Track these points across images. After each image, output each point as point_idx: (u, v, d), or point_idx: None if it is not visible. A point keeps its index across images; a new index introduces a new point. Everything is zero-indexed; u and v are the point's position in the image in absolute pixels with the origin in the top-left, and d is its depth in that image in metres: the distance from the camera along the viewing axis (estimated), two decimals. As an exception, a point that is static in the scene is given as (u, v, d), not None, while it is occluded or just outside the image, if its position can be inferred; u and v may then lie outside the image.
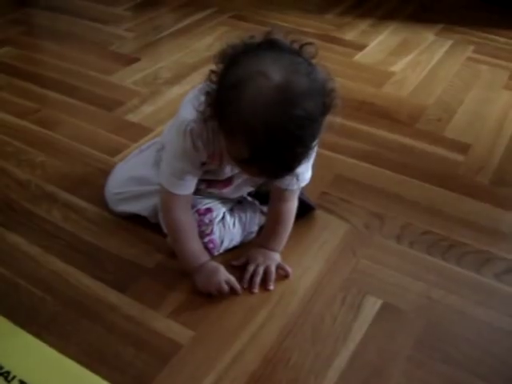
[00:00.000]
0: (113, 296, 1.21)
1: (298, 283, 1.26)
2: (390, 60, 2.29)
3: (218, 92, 0.98)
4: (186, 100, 1.17)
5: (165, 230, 1.30)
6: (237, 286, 1.22)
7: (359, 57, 2.33)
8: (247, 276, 1.24)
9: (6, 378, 1.03)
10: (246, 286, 1.23)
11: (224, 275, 1.21)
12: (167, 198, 1.20)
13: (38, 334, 1.12)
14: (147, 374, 1.06)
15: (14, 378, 1.03)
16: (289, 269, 1.27)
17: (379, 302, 1.22)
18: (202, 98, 1.02)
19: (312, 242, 1.37)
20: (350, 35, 2.52)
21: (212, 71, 1.00)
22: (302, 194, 1.32)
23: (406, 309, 1.21)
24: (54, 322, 1.15)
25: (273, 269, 1.25)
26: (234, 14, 2.70)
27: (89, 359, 1.08)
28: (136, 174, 1.39)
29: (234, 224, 1.30)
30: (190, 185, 1.19)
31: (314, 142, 0.99)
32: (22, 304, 1.19)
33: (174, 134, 1.14)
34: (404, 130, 1.82)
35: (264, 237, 1.30)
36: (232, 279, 1.21)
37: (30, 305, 1.19)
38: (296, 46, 0.98)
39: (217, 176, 1.24)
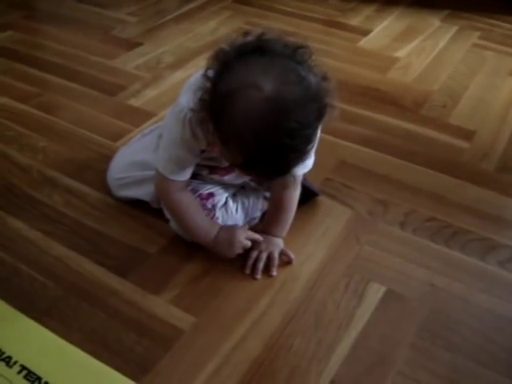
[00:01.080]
0: (115, 281, 1.21)
1: (301, 269, 1.25)
2: (395, 46, 2.28)
3: (212, 100, 0.96)
4: (185, 86, 1.15)
5: (167, 216, 1.29)
6: (256, 236, 1.25)
7: (364, 42, 2.31)
8: (250, 262, 1.24)
9: (7, 363, 1.03)
10: (248, 272, 1.23)
11: (242, 234, 1.23)
12: (164, 183, 1.19)
13: (39, 320, 1.11)
14: (149, 359, 1.05)
15: (15, 363, 1.03)
16: (292, 255, 1.26)
17: (382, 289, 1.21)
18: (198, 94, 1.00)
19: (315, 229, 1.36)
20: (354, 20, 2.50)
21: (206, 73, 0.98)
22: (305, 179, 1.31)
23: (410, 296, 1.20)
24: (56, 307, 1.15)
25: (276, 255, 1.25)
26: (237, -2, 2.68)
27: (90, 345, 1.07)
28: (138, 158, 1.38)
29: (236, 209, 1.29)
30: (187, 171, 1.18)
31: (310, 146, 0.97)
32: (23, 289, 1.18)
33: (173, 121, 1.13)
34: (408, 116, 1.81)
35: (267, 223, 1.29)
36: (249, 233, 1.25)
37: (31, 290, 1.18)
38: (289, 50, 0.95)
39: (218, 163, 1.23)
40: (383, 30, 2.43)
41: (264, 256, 1.24)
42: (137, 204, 1.38)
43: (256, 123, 0.90)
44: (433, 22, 2.51)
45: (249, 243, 1.24)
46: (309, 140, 0.95)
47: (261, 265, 1.23)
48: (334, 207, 1.42)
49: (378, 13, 2.59)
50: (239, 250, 1.23)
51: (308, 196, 1.39)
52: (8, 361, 1.03)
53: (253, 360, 1.06)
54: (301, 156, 0.97)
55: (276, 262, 1.24)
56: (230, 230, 1.24)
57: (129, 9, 2.55)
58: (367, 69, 2.09)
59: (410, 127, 1.76)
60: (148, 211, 1.37)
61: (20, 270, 1.23)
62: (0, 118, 1.73)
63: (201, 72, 1.07)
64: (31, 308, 1.14)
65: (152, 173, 1.29)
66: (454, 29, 2.44)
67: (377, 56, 2.20)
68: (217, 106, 0.95)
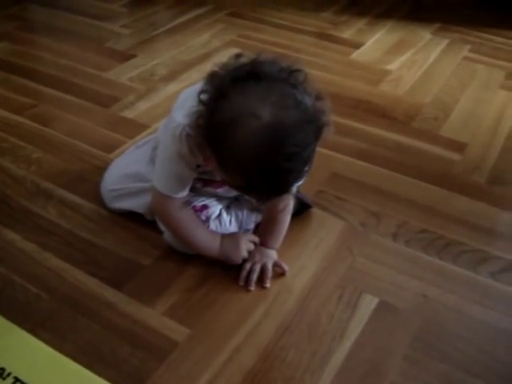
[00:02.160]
0: (109, 293, 1.21)
1: (295, 281, 1.26)
2: (387, 58, 2.30)
3: (208, 127, 0.97)
4: (179, 101, 1.16)
5: (161, 227, 1.30)
6: (255, 238, 1.28)
7: (356, 55, 2.33)
8: (244, 274, 1.24)
9: (0, 375, 1.03)
10: (242, 283, 1.24)
11: (244, 238, 1.27)
12: (164, 202, 1.19)
13: (33, 331, 1.11)
14: (143, 371, 1.05)
15: (8, 374, 1.03)
16: (285, 266, 1.27)
17: (375, 301, 1.22)
18: (193, 117, 1.01)
19: (308, 240, 1.37)
20: (346, 33, 2.52)
21: (200, 97, 0.99)
22: (298, 192, 1.32)
23: (403, 307, 1.21)
24: (50, 318, 1.15)
25: (269, 266, 1.25)
26: (230, 11, 2.69)
27: (84, 356, 1.07)
28: (131, 170, 1.38)
29: (230, 221, 1.29)
30: (186, 187, 1.19)
31: (308, 166, 0.99)
32: (17, 301, 1.18)
33: (168, 137, 1.12)
34: (400, 129, 1.83)
35: (261, 234, 1.30)
36: (249, 236, 1.28)
37: (25, 301, 1.18)
38: (284, 73, 0.96)
39: (212, 176, 1.24)
40: (375, 43, 2.45)
41: (258, 267, 1.25)
42: (130, 216, 1.38)
43: (256, 151, 0.91)
44: (424, 35, 2.53)
45: (252, 245, 1.26)
46: (307, 161, 0.97)
47: (254, 276, 1.24)
48: (326, 219, 1.43)
49: (370, 26, 2.61)
50: (245, 253, 1.25)
51: (301, 208, 1.40)
52: (1, 372, 1.03)
53: (247, 371, 1.06)
54: (299, 175, 0.99)
55: (270, 273, 1.25)
56: (233, 236, 1.26)
57: (122, 21, 2.56)
58: (359, 81, 2.11)
59: (402, 139, 1.78)
60: (142, 223, 1.37)
61: (14, 281, 1.22)
62: (-6, 129, 1.74)
63: (193, 88, 1.08)
64: (25, 319, 1.14)
65: (146, 184, 1.30)
66: (445, 42, 2.47)
67: (368, 69, 2.21)
68: (215, 134, 0.96)
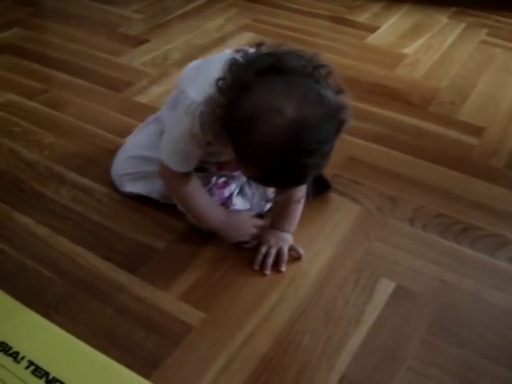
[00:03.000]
0: (123, 276, 1.20)
1: (310, 265, 1.24)
2: (403, 42, 2.27)
3: (229, 119, 0.96)
4: (189, 73, 1.17)
5: (180, 208, 1.29)
6: (261, 222, 1.27)
7: (371, 39, 2.30)
8: (259, 257, 1.23)
9: (15, 359, 1.02)
10: (257, 267, 1.22)
11: (250, 222, 1.25)
12: (172, 175, 1.19)
13: (46, 315, 1.11)
14: (158, 355, 1.05)
15: (23, 358, 1.02)
16: (301, 250, 1.25)
17: (392, 285, 1.20)
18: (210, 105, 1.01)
19: (324, 224, 1.35)
20: (362, 17, 2.50)
21: (218, 84, 0.98)
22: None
23: (420, 292, 1.19)
24: (63, 302, 1.14)
25: (285, 250, 1.24)
26: (244, -5, 2.67)
27: (98, 340, 1.07)
28: (142, 153, 1.36)
29: (253, 194, 1.30)
30: (194, 162, 1.17)
31: (327, 159, 0.98)
32: (30, 285, 1.18)
33: (182, 114, 1.10)
34: (417, 113, 1.80)
35: (275, 218, 1.28)
36: (254, 220, 1.26)
37: (38, 285, 1.18)
38: (309, 68, 0.94)
39: (218, 158, 1.23)
40: (391, 26, 2.42)
41: (273, 251, 1.23)
42: (144, 199, 1.37)
43: (278, 147, 0.91)
44: (440, 19, 2.50)
45: (254, 231, 1.25)
46: (327, 154, 0.97)
47: (270, 260, 1.22)
48: (343, 203, 1.41)
49: (386, 10, 2.58)
50: (246, 238, 1.24)
51: (320, 187, 1.38)
52: (15, 356, 1.03)
53: (262, 356, 1.05)
54: (318, 168, 0.99)
55: (285, 257, 1.24)
56: (239, 214, 1.26)
57: (135, 6, 2.55)
58: (375, 65, 2.08)
59: (419, 123, 1.75)
60: (155, 206, 1.36)
61: (27, 265, 1.22)
62: (7, 114, 1.73)
63: (201, 61, 1.12)
64: (38, 303, 1.13)
65: (156, 168, 1.28)
66: (462, 26, 2.43)
67: (384, 53, 2.19)
68: (236, 127, 0.95)
